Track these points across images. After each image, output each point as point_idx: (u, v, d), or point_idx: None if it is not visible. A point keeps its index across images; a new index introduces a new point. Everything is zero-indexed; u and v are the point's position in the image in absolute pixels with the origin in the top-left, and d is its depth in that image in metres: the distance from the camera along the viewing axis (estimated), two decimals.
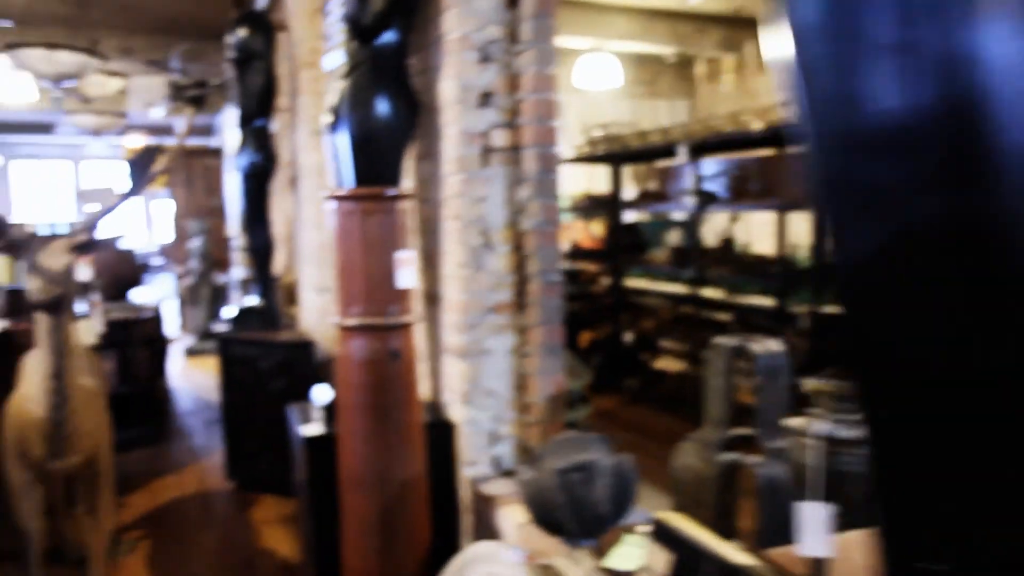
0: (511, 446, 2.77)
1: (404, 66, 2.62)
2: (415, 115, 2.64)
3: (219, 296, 9.22)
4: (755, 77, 8.53)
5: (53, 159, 19.24)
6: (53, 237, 2.80)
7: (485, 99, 2.66)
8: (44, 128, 14.49)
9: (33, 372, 2.88)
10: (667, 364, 6.60)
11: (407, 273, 2.17)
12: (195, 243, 8.95)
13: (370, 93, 2.45)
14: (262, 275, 4.92)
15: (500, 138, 2.68)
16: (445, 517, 2.66)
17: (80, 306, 4.35)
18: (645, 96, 9.77)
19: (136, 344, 5.54)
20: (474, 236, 2.62)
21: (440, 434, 2.61)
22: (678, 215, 6.90)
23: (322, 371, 4.69)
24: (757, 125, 5.14)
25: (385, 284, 2.16)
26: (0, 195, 18.37)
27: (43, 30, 7.73)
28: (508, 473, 2.73)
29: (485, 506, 2.62)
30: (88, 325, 4.34)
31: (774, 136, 5.05)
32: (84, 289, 4.27)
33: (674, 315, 6.41)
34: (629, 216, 7.44)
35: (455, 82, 2.64)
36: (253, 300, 4.98)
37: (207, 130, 11.15)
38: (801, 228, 5.51)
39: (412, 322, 2.21)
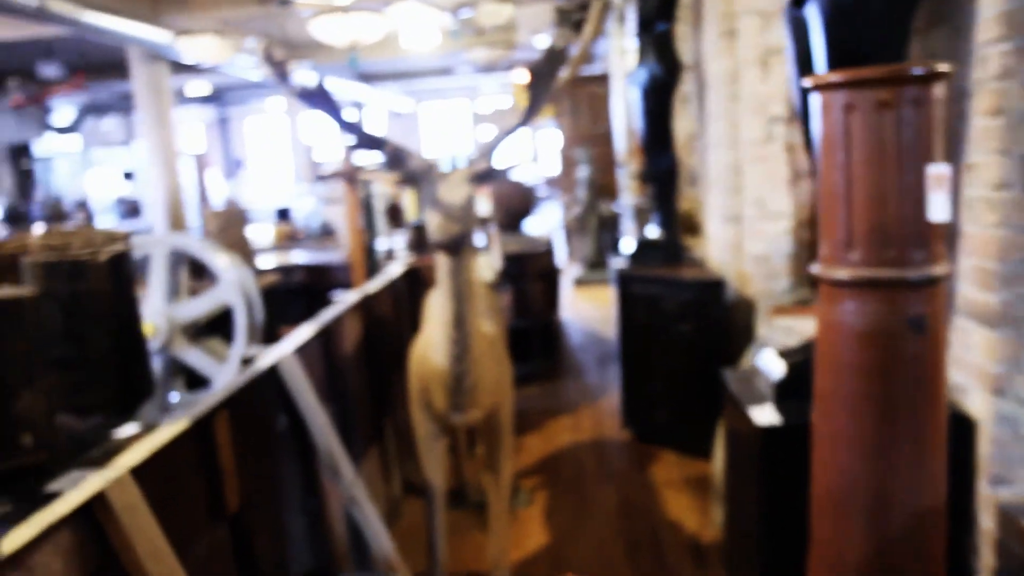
0: None
1: None
2: None
3: (605, 226, 8.99)
4: None
5: (452, 98, 20.95)
6: (452, 170, 2.46)
7: None
8: (443, 71, 15.62)
9: (434, 318, 2.62)
10: None
11: (940, 200, 1.36)
12: (581, 172, 8.76)
13: None
14: (664, 203, 4.34)
15: None
16: (952, 553, 1.83)
17: (478, 240, 4.17)
18: None
19: (530, 278, 5.38)
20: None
21: (952, 435, 1.77)
22: None
23: (732, 316, 4.01)
24: None
25: (904, 217, 1.38)
26: (411, 138, 20.53)
27: None
28: None
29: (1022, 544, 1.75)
30: (487, 261, 4.16)
31: None
32: (482, 223, 4.08)
33: None
34: None
35: None
36: (653, 232, 4.43)
37: (590, 56, 10.88)
38: None
39: (944, 275, 1.41)
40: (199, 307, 5.20)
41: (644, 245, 4.42)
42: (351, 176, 3.57)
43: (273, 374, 2.36)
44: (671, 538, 3.31)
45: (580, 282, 8.84)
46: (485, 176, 2.46)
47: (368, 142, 2.50)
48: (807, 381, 1.73)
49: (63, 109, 13.71)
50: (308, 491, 2.51)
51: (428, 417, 2.77)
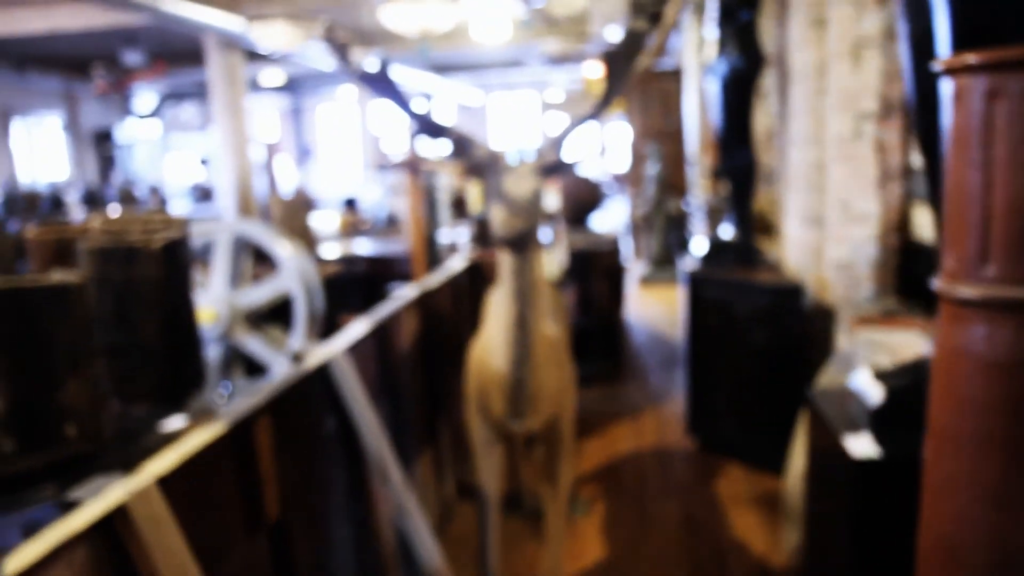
0: None
1: None
2: None
3: (673, 224, 8.72)
4: None
5: (521, 91, 20.80)
6: (520, 162, 2.31)
7: None
8: (514, 63, 15.48)
9: (495, 317, 2.47)
10: None
11: None
12: (650, 168, 8.51)
13: None
14: (740, 202, 4.11)
15: None
16: None
17: (544, 237, 4.02)
18: None
19: (595, 275, 5.20)
20: None
21: None
22: None
23: (809, 324, 3.76)
24: None
25: None
26: (479, 130, 20.43)
27: None
28: None
29: None
30: (551, 257, 4.00)
31: None
32: (549, 218, 3.92)
33: None
34: None
35: None
36: (727, 232, 4.21)
37: (664, 48, 10.59)
38: None
39: None
40: (260, 294, 5.17)
41: (717, 246, 4.19)
42: (414, 166, 3.45)
43: (323, 373, 2.25)
44: (737, 560, 3.11)
45: (645, 280, 8.60)
46: (554, 169, 2.31)
47: (432, 129, 2.36)
48: (911, 410, 1.52)
49: (144, 96, 14.05)
50: (355, 497, 2.39)
51: (485, 422, 2.63)
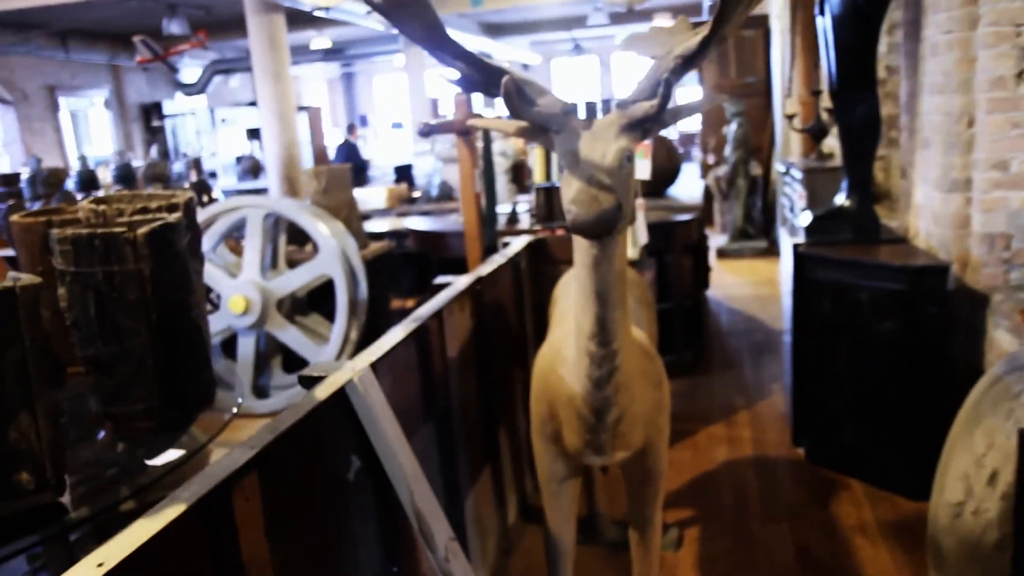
0: None
1: None
2: None
3: (755, 189, 7.92)
4: None
5: (584, 54, 19.88)
6: (600, 119, 1.69)
7: None
8: (575, 21, 14.65)
9: (568, 322, 1.87)
10: None
11: None
12: (731, 128, 7.71)
13: None
14: (858, 163, 3.38)
15: None
16: None
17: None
18: None
19: (676, 251, 4.52)
20: None
21: None
22: None
23: (950, 313, 3.04)
24: None
25: None
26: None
27: None
28: None
29: None
30: (630, 234, 3.35)
31: None
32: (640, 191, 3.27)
33: None
34: None
35: None
36: (840, 199, 3.49)
37: None
38: None
39: None
40: (296, 279, 4.65)
41: (828, 216, 3.48)
42: (462, 127, 2.82)
43: (340, 399, 1.68)
44: None
45: (723, 253, 7.84)
46: (648, 123, 1.66)
47: (479, 75, 1.74)
48: None
49: (190, 68, 13.73)
50: (390, 555, 1.83)
51: (555, 454, 2.04)
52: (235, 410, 2.08)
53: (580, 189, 1.54)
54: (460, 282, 2.62)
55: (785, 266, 3.71)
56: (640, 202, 3.48)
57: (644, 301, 2.57)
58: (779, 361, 4.67)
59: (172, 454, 1.81)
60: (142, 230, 1.75)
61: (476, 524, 2.62)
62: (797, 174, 4.93)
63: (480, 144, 3.47)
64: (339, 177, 4.90)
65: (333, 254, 4.38)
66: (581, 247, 1.68)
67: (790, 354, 3.64)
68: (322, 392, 1.60)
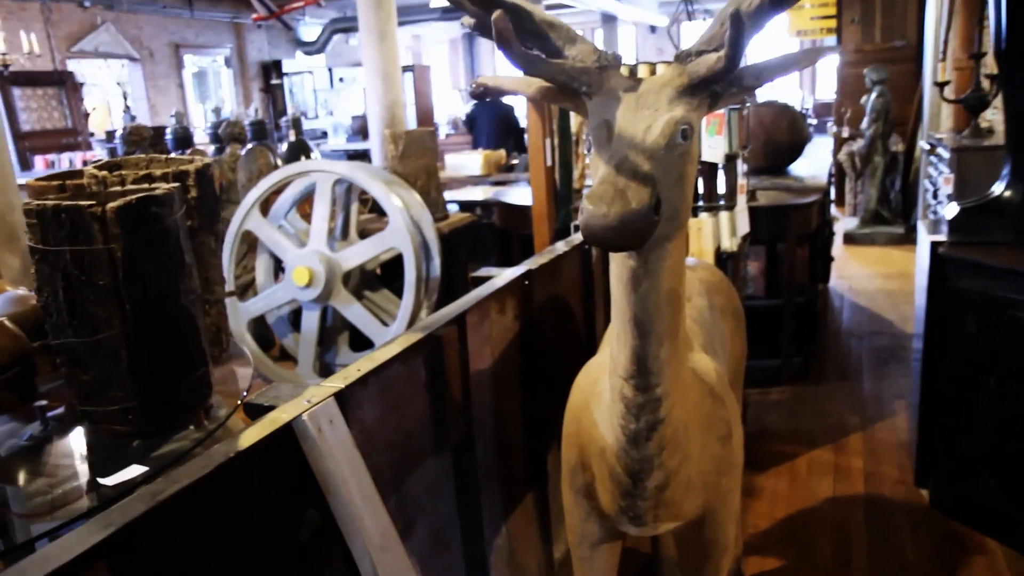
0: None
1: None
2: None
3: (894, 167, 7.03)
4: None
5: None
6: (646, 78, 1.21)
7: None
8: None
9: (604, 355, 1.41)
10: None
11: None
12: (871, 98, 6.82)
13: None
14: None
15: None
16: None
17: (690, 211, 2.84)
18: None
19: (790, 240, 3.90)
20: None
21: None
22: None
23: None
24: None
25: None
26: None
27: None
28: None
29: None
30: (726, 223, 2.81)
31: None
32: (710, 176, 2.71)
33: None
34: None
35: None
36: (998, 188, 2.80)
37: None
38: None
39: None
40: (364, 252, 4.33)
41: (981, 209, 2.81)
42: (485, 90, 2.34)
43: (289, 437, 1.29)
44: None
45: (852, 239, 7.02)
46: (719, 84, 1.17)
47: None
48: None
49: (311, 27, 13.73)
50: None
51: (588, 511, 1.58)
52: (239, 402, 1.77)
53: (603, 178, 1.08)
54: (502, 276, 2.18)
55: (921, 264, 3.06)
56: (742, 183, 2.92)
57: (727, 311, 2.05)
58: (907, 374, 3.98)
59: (132, 472, 1.51)
60: (112, 204, 1.44)
61: (509, 561, 2.21)
62: (944, 153, 4.16)
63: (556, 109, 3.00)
64: (419, 141, 4.53)
65: (403, 226, 4.03)
66: (616, 256, 1.22)
67: (919, 371, 3.01)
68: (246, 439, 1.21)
